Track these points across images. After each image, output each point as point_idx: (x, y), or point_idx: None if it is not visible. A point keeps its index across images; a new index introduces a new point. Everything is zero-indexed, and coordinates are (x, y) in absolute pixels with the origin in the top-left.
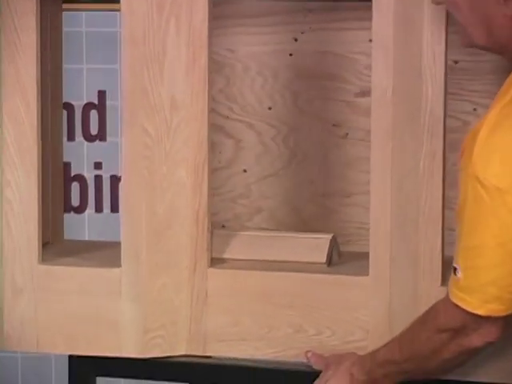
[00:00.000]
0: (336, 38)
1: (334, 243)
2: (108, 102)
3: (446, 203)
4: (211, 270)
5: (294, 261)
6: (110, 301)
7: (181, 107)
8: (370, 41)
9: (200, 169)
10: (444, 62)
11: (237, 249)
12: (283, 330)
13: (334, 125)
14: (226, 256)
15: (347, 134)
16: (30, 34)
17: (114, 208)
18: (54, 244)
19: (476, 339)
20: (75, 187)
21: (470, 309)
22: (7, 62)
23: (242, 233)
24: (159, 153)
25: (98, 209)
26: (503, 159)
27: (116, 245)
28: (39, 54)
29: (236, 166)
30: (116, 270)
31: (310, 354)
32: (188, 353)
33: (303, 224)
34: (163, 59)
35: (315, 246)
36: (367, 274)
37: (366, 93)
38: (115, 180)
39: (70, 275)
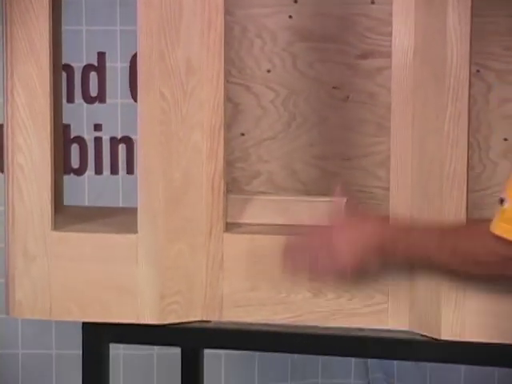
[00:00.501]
0: None
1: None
2: (108, 64)
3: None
4: (227, 234)
5: (310, 224)
6: (126, 267)
7: (197, 70)
8: (372, 2)
9: (216, 133)
10: (470, 22)
11: (252, 213)
12: (302, 294)
13: (334, 87)
14: (241, 221)
15: (348, 96)
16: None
17: (114, 170)
18: (59, 208)
19: None
20: (75, 149)
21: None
22: (19, 25)
23: (257, 197)
24: (175, 117)
25: (98, 171)
26: None
27: (127, 210)
28: (51, 17)
29: (234, 129)
30: (132, 236)
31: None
32: (204, 319)
33: (302, 187)
34: (179, 22)
35: (330, 210)
36: None
37: (367, 55)
38: (115, 142)
39: (85, 241)
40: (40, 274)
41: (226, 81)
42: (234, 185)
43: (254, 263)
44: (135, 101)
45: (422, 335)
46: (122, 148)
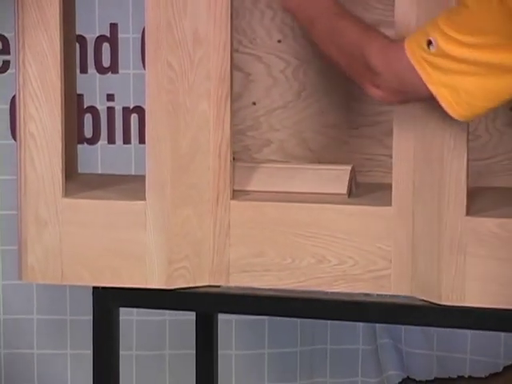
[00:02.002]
0: None
1: (353, 174)
2: (120, 35)
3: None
4: (233, 202)
5: (316, 192)
6: (135, 233)
7: (204, 41)
8: None
9: (223, 102)
10: None
11: (258, 181)
12: (306, 260)
13: None
14: (248, 188)
15: None
16: None
17: (126, 139)
18: (73, 176)
19: (372, 85)
20: (88, 119)
21: (425, 79)
22: None
23: (264, 165)
24: (183, 87)
25: (111, 140)
26: None
27: (138, 178)
28: None
29: (245, 98)
30: (141, 203)
31: None
32: (211, 283)
33: (312, 155)
34: None
35: (336, 177)
36: (389, 205)
37: (376, 25)
38: (127, 112)
39: (95, 208)
40: (51, 239)
41: (237, 51)
42: (245, 153)
43: (260, 230)
44: None
45: (423, 300)
46: (134, 118)
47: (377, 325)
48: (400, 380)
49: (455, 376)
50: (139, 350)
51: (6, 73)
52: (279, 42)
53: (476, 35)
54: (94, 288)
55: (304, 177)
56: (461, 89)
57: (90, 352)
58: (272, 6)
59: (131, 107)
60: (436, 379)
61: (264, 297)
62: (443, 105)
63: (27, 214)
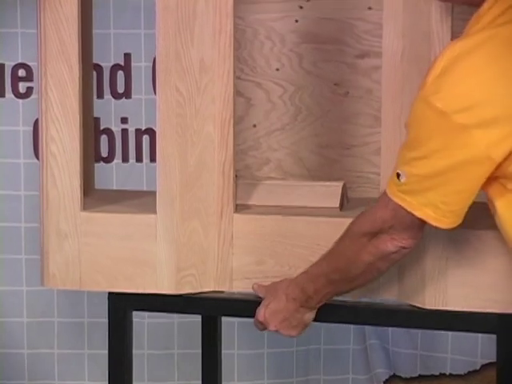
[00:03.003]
0: (337, 5)
1: (344, 190)
2: (133, 64)
3: None
4: (236, 215)
5: (311, 206)
6: (147, 243)
7: (209, 69)
8: (369, 8)
9: (226, 124)
10: (451, 26)
11: (259, 196)
12: (303, 268)
13: (335, 84)
14: (249, 203)
15: (347, 92)
16: (71, 2)
17: (139, 158)
18: (90, 192)
19: (390, 243)
20: (104, 140)
21: (410, 209)
22: (51, 27)
23: (263, 182)
24: (190, 110)
25: (124, 159)
26: (454, 88)
27: (149, 193)
28: (80, 20)
29: (246, 121)
30: (152, 216)
31: (255, 286)
32: (216, 289)
33: (307, 173)
34: (193, 25)
35: (329, 193)
36: None
37: (364, 55)
38: (140, 133)
39: (110, 221)
40: (71, 250)
41: (239, 78)
42: (246, 171)
43: (261, 241)
44: None
45: (409, 305)
46: (145, 138)
47: (366, 327)
48: (387, 377)
49: (437, 373)
50: (150, 350)
51: (30, 98)
52: (277, 70)
53: (418, 148)
54: (110, 293)
55: (300, 192)
56: (438, 202)
57: (105, 352)
58: (270, 37)
59: (143, 129)
60: (420, 376)
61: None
62: (432, 223)
63: (49, 227)
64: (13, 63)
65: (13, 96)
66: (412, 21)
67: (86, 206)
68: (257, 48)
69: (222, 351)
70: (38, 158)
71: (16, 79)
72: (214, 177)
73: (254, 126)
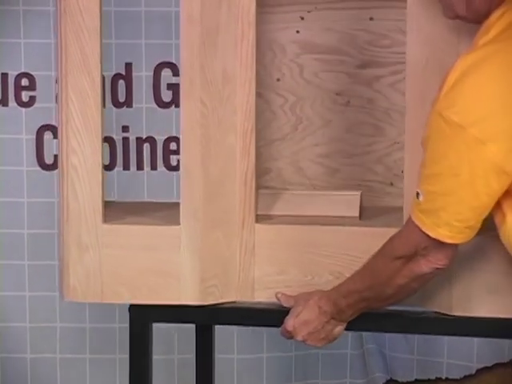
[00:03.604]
0: (339, 16)
1: (361, 199)
2: (134, 74)
3: None
4: (257, 225)
5: (330, 215)
6: (170, 254)
7: (231, 79)
8: (371, 19)
9: (248, 134)
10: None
11: (279, 206)
12: (325, 277)
13: (336, 94)
14: (269, 213)
15: (348, 101)
16: (93, 15)
17: (139, 166)
18: (110, 204)
19: (425, 265)
20: (105, 148)
21: (424, 229)
22: (72, 40)
23: (282, 192)
24: (213, 121)
25: (126, 167)
26: (467, 100)
27: (163, 204)
28: (102, 33)
29: None
30: (176, 228)
31: (279, 295)
32: (238, 299)
33: (308, 183)
34: (217, 35)
35: (347, 202)
36: (399, 226)
37: (365, 65)
38: (140, 141)
39: (134, 233)
40: (92, 261)
41: None
42: None
43: (282, 250)
44: (158, 106)
45: (434, 312)
46: (146, 147)
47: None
48: (384, 381)
49: (433, 377)
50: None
51: (32, 107)
52: (278, 80)
53: (434, 164)
54: (131, 305)
55: (318, 202)
56: (452, 220)
57: (107, 356)
58: (272, 48)
59: (144, 137)
60: (416, 380)
61: (260, 310)
62: (449, 241)
63: (69, 239)
64: (16, 72)
65: (16, 105)
66: (435, 29)
67: (106, 218)
68: (258, 59)
69: (222, 356)
70: (40, 165)
71: (19, 88)
72: (235, 187)
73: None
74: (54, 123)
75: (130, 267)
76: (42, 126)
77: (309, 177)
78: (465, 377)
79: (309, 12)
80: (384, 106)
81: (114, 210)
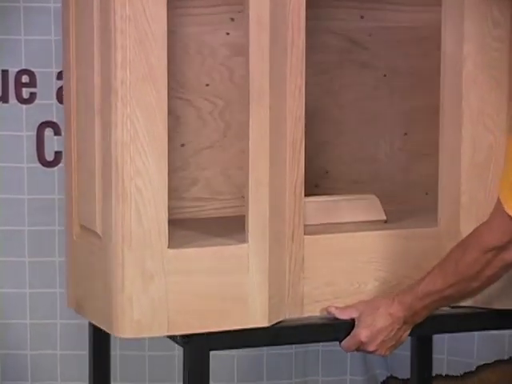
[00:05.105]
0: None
1: None
2: None
3: None
4: (306, 237)
5: (358, 221)
6: (239, 275)
7: (281, 86)
8: None
9: (298, 143)
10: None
11: (307, 215)
12: (371, 283)
13: None
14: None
15: None
16: (160, 23)
17: None
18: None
19: None
20: None
21: None
22: (137, 49)
23: (306, 200)
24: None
25: None
26: None
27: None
28: (166, 41)
29: (175, 141)
30: (244, 246)
31: (332, 309)
32: (289, 317)
33: (237, 191)
34: (286, 40)
35: (369, 206)
36: (434, 226)
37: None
38: None
39: (200, 256)
40: (158, 291)
41: (170, 96)
42: (173, 193)
43: (328, 260)
44: None
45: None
46: None
47: None
48: (384, 378)
49: (434, 374)
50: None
51: (33, 103)
52: (207, 85)
53: None
54: (185, 336)
55: (344, 208)
56: None
57: None
58: (201, 51)
59: None
60: None
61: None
62: None
63: (132, 268)
64: (16, 69)
65: (16, 101)
66: (474, 24)
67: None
68: (187, 63)
69: (222, 353)
70: (41, 162)
71: (19, 85)
72: (285, 199)
73: (182, 145)
74: (54, 120)
75: (196, 294)
76: (43, 123)
77: (238, 185)
78: (465, 373)
79: (239, 12)
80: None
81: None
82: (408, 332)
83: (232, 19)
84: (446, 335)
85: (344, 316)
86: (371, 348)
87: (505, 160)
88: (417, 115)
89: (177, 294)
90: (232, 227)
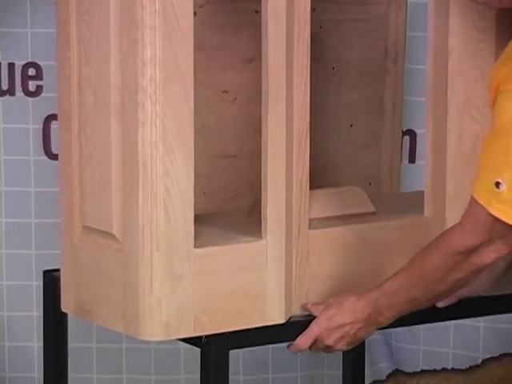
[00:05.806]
0: (229, 9)
1: None
2: None
3: None
4: (310, 231)
5: (349, 214)
6: (258, 272)
7: (288, 80)
8: (256, 12)
9: (303, 137)
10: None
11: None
12: (368, 276)
13: (224, 91)
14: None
15: (235, 98)
16: (187, 18)
17: None
18: None
19: (487, 256)
20: None
21: (507, 219)
22: (166, 46)
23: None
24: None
25: None
26: None
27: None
28: (193, 37)
29: None
30: (262, 242)
31: (309, 305)
32: (296, 312)
33: (199, 186)
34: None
35: (355, 198)
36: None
37: (251, 59)
38: None
39: (224, 254)
40: (185, 292)
41: None
42: None
43: (331, 254)
44: None
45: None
46: None
47: None
48: (390, 371)
49: (439, 368)
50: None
51: (39, 96)
52: None
53: None
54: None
55: (333, 201)
56: None
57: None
58: None
59: None
60: (422, 371)
61: None
62: None
63: (160, 271)
64: (23, 62)
65: (23, 94)
66: (460, 15)
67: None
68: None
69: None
70: (47, 155)
71: (26, 78)
72: (292, 193)
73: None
74: None
75: (221, 293)
76: (49, 116)
77: (202, 175)
78: (470, 367)
79: (201, 7)
80: None
81: None
82: (369, 334)
83: (194, 13)
84: (452, 328)
85: (317, 312)
86: (327, 342)
87: (479, 158)
88: (362, 107)
89: (202, 294)
90: (232, 227)
